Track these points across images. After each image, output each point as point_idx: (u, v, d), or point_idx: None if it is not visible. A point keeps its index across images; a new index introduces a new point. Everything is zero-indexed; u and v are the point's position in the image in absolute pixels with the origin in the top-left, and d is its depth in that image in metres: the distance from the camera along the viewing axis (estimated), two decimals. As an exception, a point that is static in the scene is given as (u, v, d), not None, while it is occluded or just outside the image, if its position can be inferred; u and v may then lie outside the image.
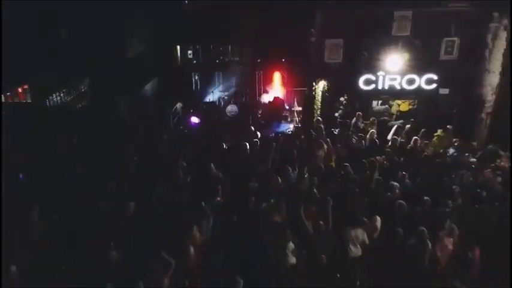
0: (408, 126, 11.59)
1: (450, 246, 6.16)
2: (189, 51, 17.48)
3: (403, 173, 8.10)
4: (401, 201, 7.05)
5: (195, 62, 16.64)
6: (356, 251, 6.38)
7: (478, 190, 7.51)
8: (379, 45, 12.01)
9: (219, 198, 7.36)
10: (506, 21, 10.70)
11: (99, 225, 6.55)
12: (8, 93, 13.72)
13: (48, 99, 13.74)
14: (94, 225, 6.56)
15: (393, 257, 6.24)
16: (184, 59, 17.11)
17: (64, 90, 14.24)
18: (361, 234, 6.38)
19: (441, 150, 9.51)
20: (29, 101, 13.79)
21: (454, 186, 7.49)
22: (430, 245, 6.19)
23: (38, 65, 13.06)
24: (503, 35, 10.82)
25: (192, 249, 5.84)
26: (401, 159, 9.03)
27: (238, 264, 5.62)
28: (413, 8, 11.62)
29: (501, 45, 10.95)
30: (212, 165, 8.45)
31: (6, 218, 6.46)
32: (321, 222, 6.38)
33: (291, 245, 6.11)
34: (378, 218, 6.56)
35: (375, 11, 11.57)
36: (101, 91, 13.64)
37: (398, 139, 9.98)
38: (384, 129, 11.69)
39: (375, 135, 10.55)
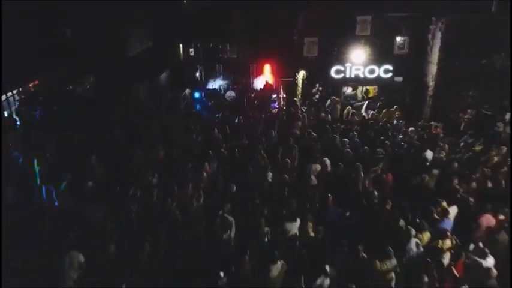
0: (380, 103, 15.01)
1: (372, 175, 9.31)
2: (191, 49, 20.38)
3: (354, 133, 11.31)
4: (348, 149, 10.28)
5: (196, 58, 19.41)
6: (314, 179, 9.52)
7: (402, 143, 10.73)
8: (346, 43, 15.22)
9: (222, 150, 10.56)
10: (440, 24, 13.88)
11: (141, 164, 9.71)
12: (20, 89, 15.28)
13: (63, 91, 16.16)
14: (137, 164, 9.73)
15: (339, 186, 9.34)
16: (186, 56, 19.88)
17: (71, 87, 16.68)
18: (318, 167, 9.53)
19: (384, 120, 12.71)
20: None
21: (386, 141, 10.69)
22: (362, 175, 9.33)
23: (50, 62, 14.89)
24: (439, 35, 14.01)
25: (205, 174, 9.00)
26: (356, 126, 12.24)
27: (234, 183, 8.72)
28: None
29: (438, 42, 14.14)
30: (216, 129, 11.67)
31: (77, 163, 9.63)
32: (288, 160, 9.57)
33: (270, 173, 9.26)
34: (327, 159, 9.70)
35: (341, 15, 14.74)
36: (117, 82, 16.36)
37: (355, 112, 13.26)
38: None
39: (351, 110, 13.87)
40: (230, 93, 16.48)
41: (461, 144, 11.87)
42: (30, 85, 16.20)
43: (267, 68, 17.50)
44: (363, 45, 15.19)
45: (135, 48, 18.13)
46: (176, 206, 7.88)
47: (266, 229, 7.28)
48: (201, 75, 18.81)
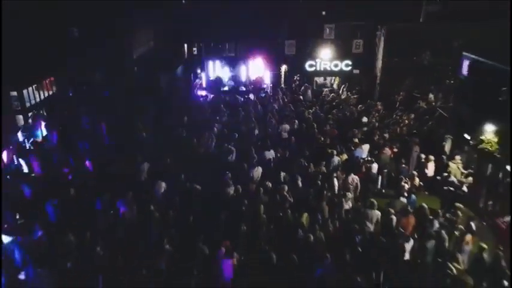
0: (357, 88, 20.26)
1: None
2: (194, 48, 25.22)
3: (316, 107, 16.50)
4: (310, 116, 15.46)
5: (199, 56, 24.06)
6: (285, 134, 14.65)
7: (346, 112, 15.94)
8: (316, 44, 20.38)
9: (225, 118, 15.70)
10: (383, 30, 19.04)
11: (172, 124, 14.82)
12: (35, 85, 16.86)
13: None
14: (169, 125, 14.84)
15: (301, 137, 14.43)
16: (190, 54, 24.57)
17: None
18: (288, 126, 14.65)
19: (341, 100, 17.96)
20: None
21: (334, 111, 15.90)
22: (316, 130, 14.45)
23: (60, 61, 17.01)
24: (382, 38, 19.17)
25: (215, 129, 14.12)
26: (317, 103, 17.46)
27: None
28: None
29: (382, 43, 19.29)
30: (222, 105, 16.81)
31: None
32: (274, 120, 14.73)
33: (256, 130, 14.39)
34: (296, 121, 14.85)
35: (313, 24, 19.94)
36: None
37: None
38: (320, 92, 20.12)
39: (327, 92, 19.05)
40: (230, 83, 21.60)
41: (394, 116, 17.03)
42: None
43: (258, 63, 22.55)
44: (329, 46, 20.37)
45: (138, 48, 22.16)
46: (198, 144, 13.02)
47: (255, 155, 12.37)
48: (206, 69, 23.82)
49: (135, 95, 17.92)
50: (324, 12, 20.45)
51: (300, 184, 10.62)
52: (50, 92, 18.55)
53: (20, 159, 13.03)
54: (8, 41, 14.16)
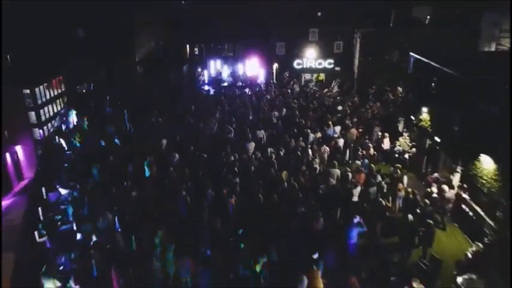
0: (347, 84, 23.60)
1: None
2: (196, 49, 28.56)
3: (301, 99, 19.86)
4: (294, 105, 18.82)
5: (200, 56, 27.46)
6: (274, 119, 17.99)
7: (326, 102, 19.31)
8: (303, 45, 23.74)
9: (226, 107, 19.06)
10: (359, 34, 22.40)
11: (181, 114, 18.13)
12: (45, 84, 20.08)
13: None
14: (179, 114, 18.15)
15: (287, 121, 17.78)
16: (192, 54, 27.95)
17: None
18: (277, 113, 18.00)
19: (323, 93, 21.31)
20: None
21: (315, 101, 19.26)
22: (298, 115, 17.79)
23: (68, 60, 19.53)
24: (358, 40, 22.53)
25: (217, 116, 17.45)
26: (303, 94, 20.85)
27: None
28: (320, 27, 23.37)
29: (358, 45, 22.64)
30: (222, 97, 20.17)
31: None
32: (266, 108, 18.08)
33: (251, 116, 17.74)
34: (284, 109, 18.21)
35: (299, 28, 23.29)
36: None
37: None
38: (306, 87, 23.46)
39: (313, 86, 22.42)
40: (229, 79, 24.97)
41: (367, 106, 20.39)
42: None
43: (253, 61, 25.94)
44: (314, 47, 23.74)
45: (140, 48, 25.07)
46: (205, 128, 16.36)
47: (250, 134, 15.67)
48: (207, 67, 27.23)
49: (149, 89, 21.27)
50: (319, 13, 23.90)
51: (282, 154, 13.97)
52: (59, 90, 21.69)
53: (61, 139, 16.36)
54: (20, 43, 16.87)
